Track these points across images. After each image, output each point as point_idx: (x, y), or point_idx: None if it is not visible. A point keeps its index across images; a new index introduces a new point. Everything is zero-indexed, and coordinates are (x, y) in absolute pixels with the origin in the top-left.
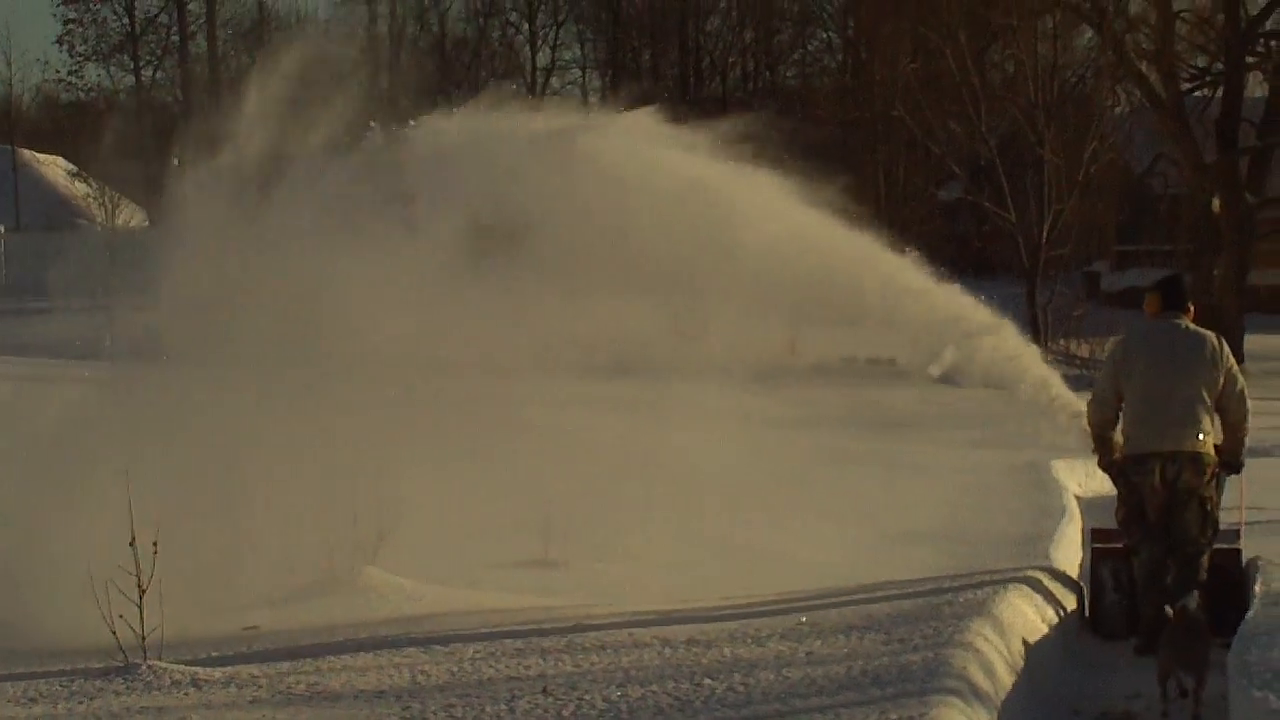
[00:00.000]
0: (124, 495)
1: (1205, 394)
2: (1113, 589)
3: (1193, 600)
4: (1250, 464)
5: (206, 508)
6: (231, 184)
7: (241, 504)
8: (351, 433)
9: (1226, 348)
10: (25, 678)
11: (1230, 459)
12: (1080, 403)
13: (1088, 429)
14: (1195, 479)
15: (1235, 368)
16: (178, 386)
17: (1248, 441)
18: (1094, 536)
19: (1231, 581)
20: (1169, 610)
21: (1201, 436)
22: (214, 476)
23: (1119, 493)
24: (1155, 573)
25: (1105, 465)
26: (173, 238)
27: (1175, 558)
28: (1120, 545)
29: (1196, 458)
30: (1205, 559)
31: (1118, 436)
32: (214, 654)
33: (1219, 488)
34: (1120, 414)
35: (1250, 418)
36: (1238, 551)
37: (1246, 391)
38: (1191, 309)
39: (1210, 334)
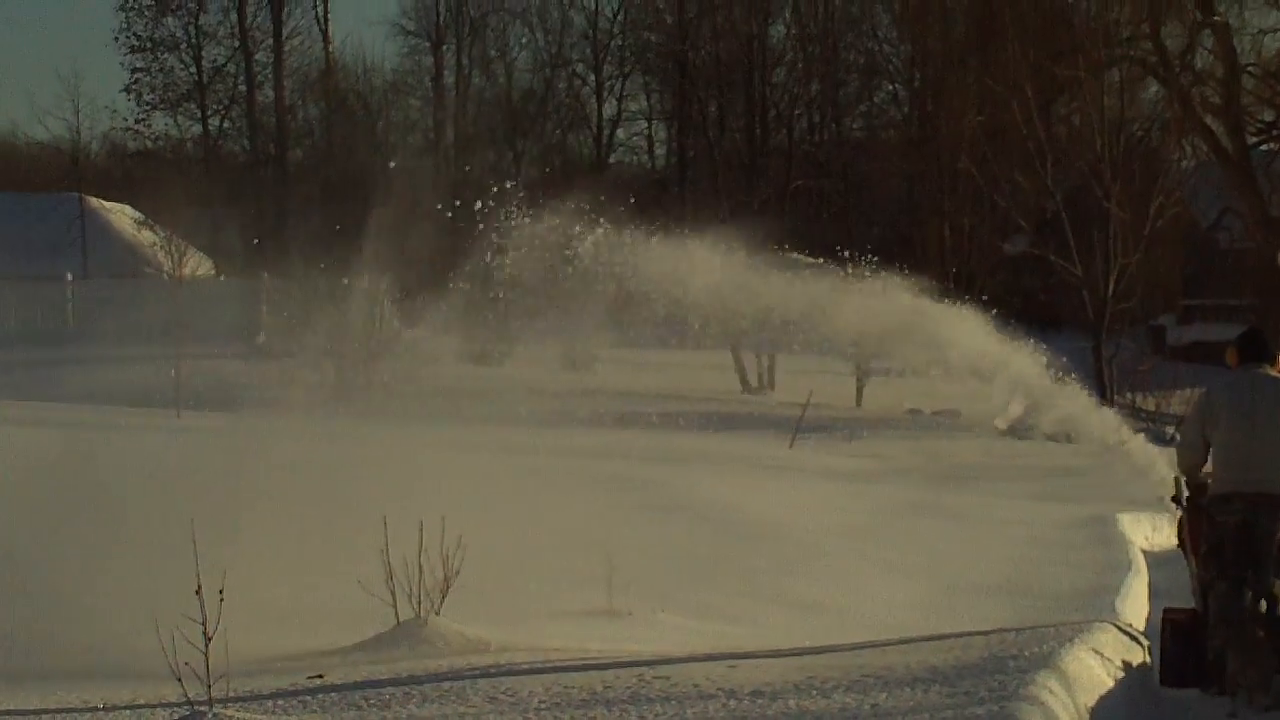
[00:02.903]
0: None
1: None
2: (1181, 643)
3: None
4: None
5: (277, 556)
6: None
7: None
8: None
9: None
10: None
11: None
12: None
13: (1178, 474)
14: (1275, 521)
15: None
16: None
17: None
18: (1166, 612)
19: None
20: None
21: None
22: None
23: (1200, 531)
24: (1228, 608)
25: (1189, 505)
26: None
27: (1253, 599)
28: (1190, 609)
29: (1277, 501)
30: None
31: (1205, 478)
32: (280, 703)
33: None
34: (1208, 459)
35: None
36: None
37: None
38: (1277, 360)
39: None
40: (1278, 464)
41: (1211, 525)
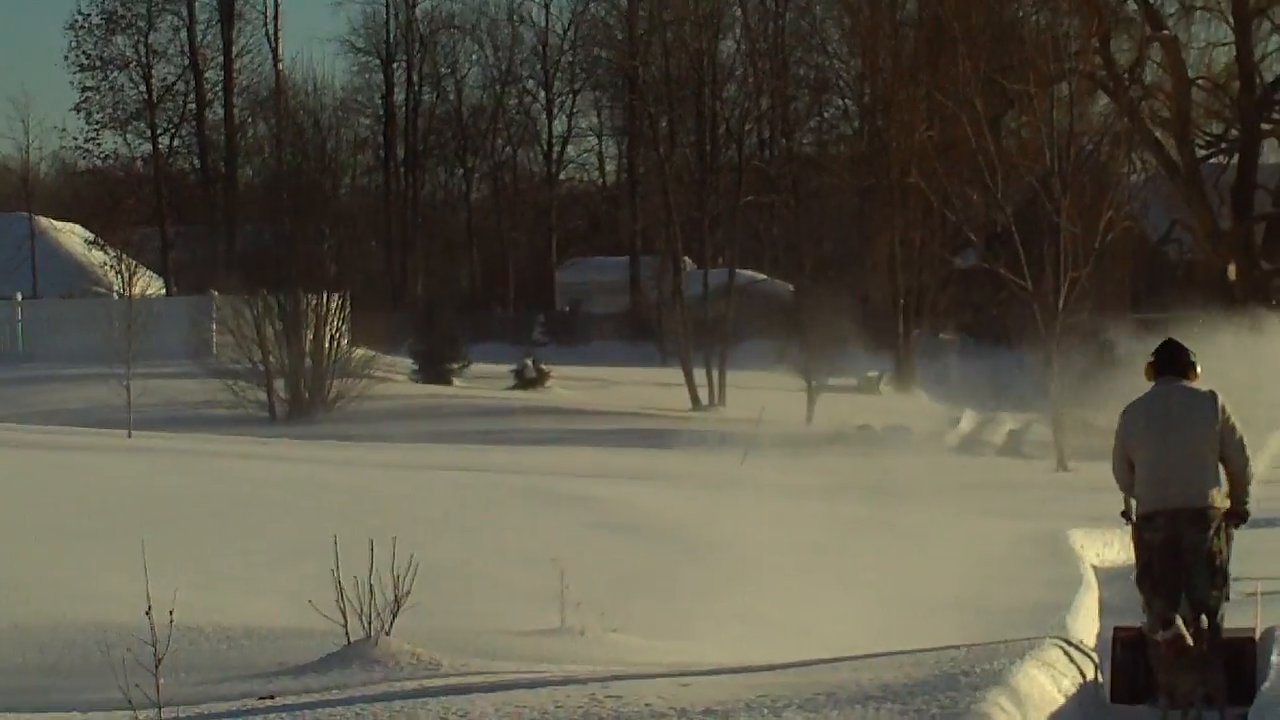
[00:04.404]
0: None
1: (1207, 450)
2: (1131, 660)
3: (1179, 626)
4: (1265, 533)
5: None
6: None
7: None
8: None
9: (1223, 400)
10: None
11: (1236, 508)
12: None
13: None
14: (1201, 534)
15: (1234, 419)
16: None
17: (1256, 498)
18: (1116, 630)
19: (1246, 652)
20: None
21: (1206, 492)
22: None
23: (1135, 552)
24: (1165, 624)
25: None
26: None
27: (1192, 613)
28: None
29: (1202, 513)
30: (1222, 611)
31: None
32: None
33: (1228, 541)
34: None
35: (1250, 466)
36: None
37: (1246, 441)
38: (1196, 371)
39: (1206, 390)
40: (1197, 477)
41: (1140, 544)
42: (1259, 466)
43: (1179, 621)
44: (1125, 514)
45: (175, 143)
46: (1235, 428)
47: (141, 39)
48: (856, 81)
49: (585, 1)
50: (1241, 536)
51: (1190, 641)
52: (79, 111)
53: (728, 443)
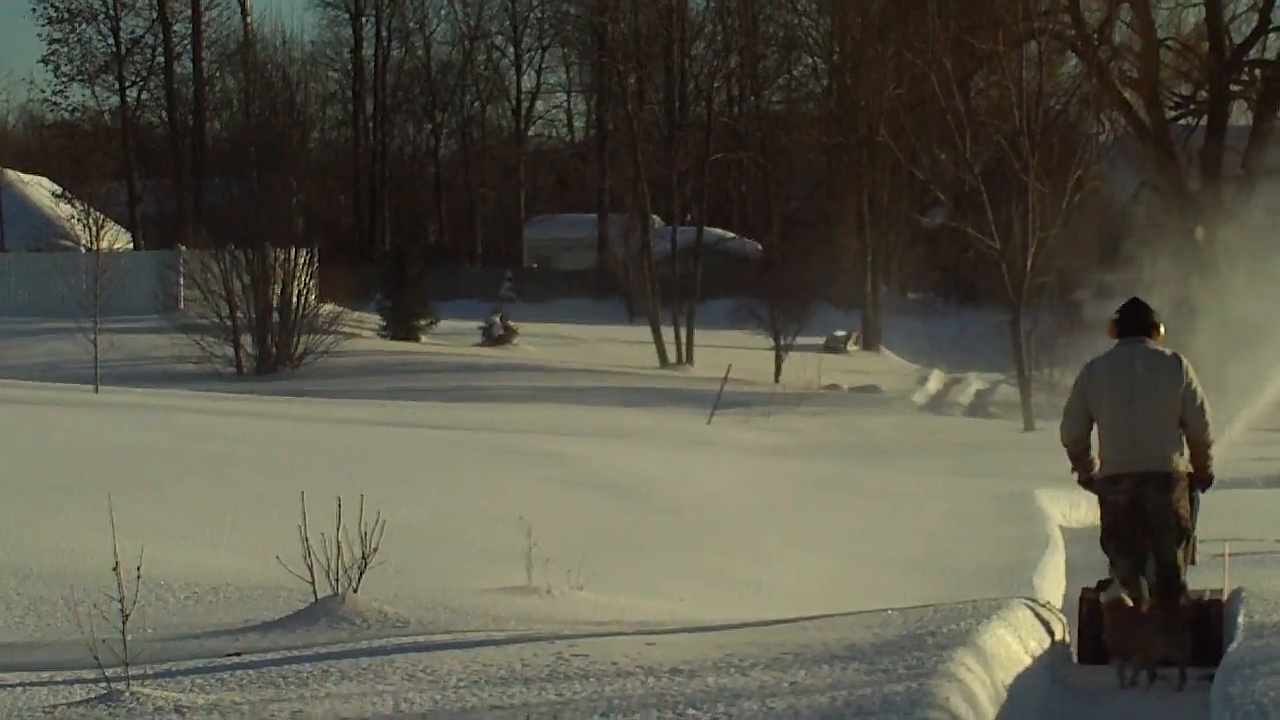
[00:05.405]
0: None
1: (1170, 413)
2: (1098, 621)
3: (1115, 589)
4: (1233, 494)
5: (194, 531)
6: None
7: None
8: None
9: (1187, 363)
10: (4, 707)
11: (1198, 473)
12: None
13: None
14: (1165, 497)
15: (1196, 383)
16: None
17: (1218, 461)
18: (1083, 591)
19: (1213, 614)
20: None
21: (1170, 455)
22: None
23: (1100, 510)
24: (1129, 585)
25: (1083, 482)
26: None
27: (1156, 574)
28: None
29: (1166, 477)
30: (1185, 573)
31: (1094, 457)
32: (198, 681)
33: (1193, 503)
34: (1092, 434)
35: (1211, 430)
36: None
37: (1207, 405)
38: (1159, 331)
39: (1171, 353)
40: (1162, 440)
41: (1104, 505)
42: (1234, 430)
43: (1143, 584)
44: (1081, 481)
45: (143, 96)
46: (1198, 392)
47: None
48: (825, 39)
49: None
50: (1211, 498)
51: (1146, 607)
52: (47, 64)
53: (695, 401)
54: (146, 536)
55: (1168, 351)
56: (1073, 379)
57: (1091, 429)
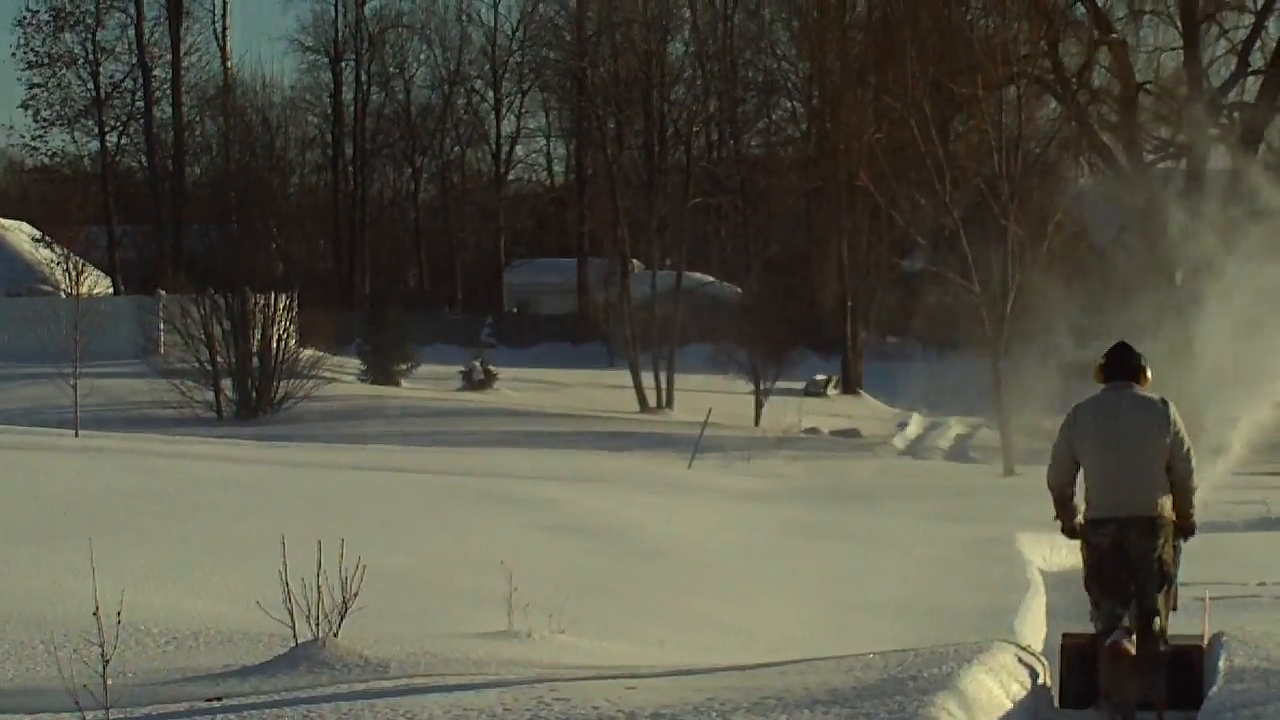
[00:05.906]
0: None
1: (1156, 458)
2: (1080, 665)
3: (1120, 634)
4: (1214, 538)
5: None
6: None
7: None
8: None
9: (1174, 410)
10: None
11: (1181, 520)
12: None
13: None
14: (1150, 543)
15: (1183, 430)
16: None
17: (1200, 505)
18: (1065, 637)
19: (1194, 658)
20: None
21: (1155, 499)
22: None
23: (1083, 556)
24: (1112, 628)
25: (1067, 531)
26: None
27: (1136, 618)
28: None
29: (1151, 521)
30: (1166, 618)
31: (1079, 502)
32: None
33: (1175, 550)
34: (1078, 479)
35: (1196, 477)
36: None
37: (1193, 452)
38: (1146, 375)
39: (1158, 398)
40: (1147, 485)
41: (1088, 548)
42: (1217, 473)
43: (1125, 625)
44: (1065, 530)
45: (123, 141)
46: (1184, 439)
47: (89, 36)
48: (805, 84)
49: (534, 2)
50: (1192, 542)
51: (1133, 650)
52: (26, 108)
53: (675, 445)
54: (127, 581)
55: (1155, 397)
56: (1053, 423)
57: (1078, 473)
